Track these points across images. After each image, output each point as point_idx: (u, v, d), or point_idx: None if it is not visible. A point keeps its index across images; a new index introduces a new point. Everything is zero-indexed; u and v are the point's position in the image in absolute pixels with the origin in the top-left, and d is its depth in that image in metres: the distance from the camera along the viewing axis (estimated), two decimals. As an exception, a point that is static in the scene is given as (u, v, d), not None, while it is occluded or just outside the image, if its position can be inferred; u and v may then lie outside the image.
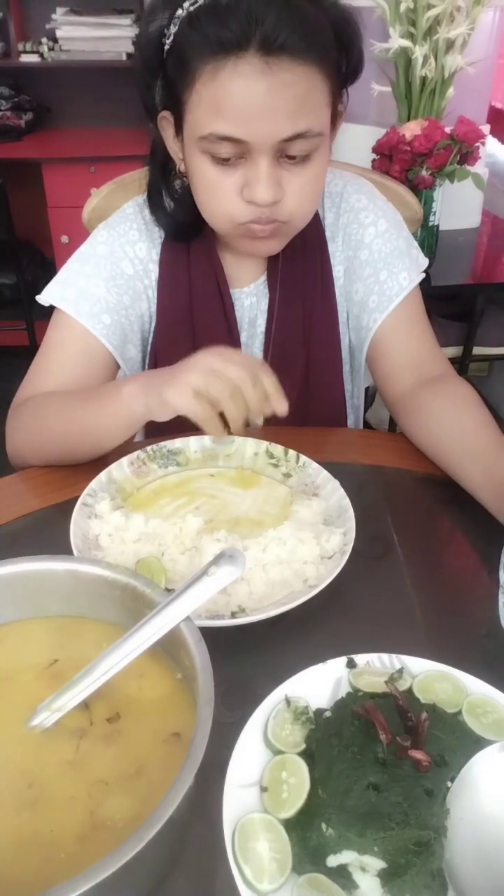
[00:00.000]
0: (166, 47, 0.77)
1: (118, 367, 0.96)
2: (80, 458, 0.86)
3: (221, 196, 0.81)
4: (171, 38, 0.76)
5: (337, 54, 0.77)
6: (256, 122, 0.73)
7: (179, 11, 0.74)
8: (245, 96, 0.72)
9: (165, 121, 0.83)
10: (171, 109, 0.81)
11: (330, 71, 0.76)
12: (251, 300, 0.99)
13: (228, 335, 0.98)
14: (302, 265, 0.97)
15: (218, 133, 0.75)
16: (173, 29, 0.75)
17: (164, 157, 0.89)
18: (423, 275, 0.99)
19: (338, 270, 1.00)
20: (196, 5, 0.73)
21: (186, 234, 0.92)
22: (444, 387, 0.92)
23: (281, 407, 0.73)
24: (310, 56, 0.72)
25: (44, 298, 0.94)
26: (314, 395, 1.03)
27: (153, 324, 0.99)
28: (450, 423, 0.86)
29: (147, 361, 1.01)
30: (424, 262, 1.00)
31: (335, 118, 0.82)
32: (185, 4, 0.74)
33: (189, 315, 0.97)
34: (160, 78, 0.80)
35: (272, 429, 0.94)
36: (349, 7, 0.78)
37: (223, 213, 0.83)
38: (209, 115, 0.75)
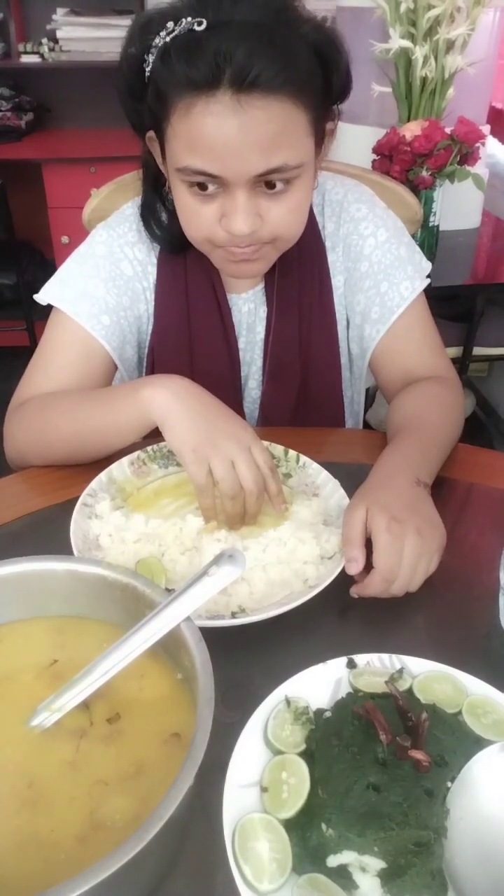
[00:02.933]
0: (147, 73, 0.76)
1: (116, 368, 0.96)
2: (87, 458, 0.86)
3: (201, 223, 0.81)
4: (150, 65, 0.75)
5: (321, 79, 0.75)
6: (229, 160, 0.73)
7: (157, 40, 0.73)
8: (217, 135, 0.71)
9: (153, 141, 0.83)
10: (155, 130, 0.81)
11: (309, 99, 0.74)
12: (249, 306, 0.99)
13: (225, 340, 0.98)
14: (298, 274, 0.97)
15: (192, 167, 0.75)
16: (151, 58, 0.74)
17: (155, 173, 0.89)
18: (427, 280, 0.99)
19: (337, 280, 1.00)
20: (172, 35, 0.71)
21: (182, 246, 0.92)
22: (422, 382, 0.95)
23: (280, 509, 0.77)
24: (285, 89, 0.70)
25: (42, 297, 0.94)
26: (312, 403, 1.03)
27: (151, 325, 0.99)
28: (401, 405, 0.91)
29: (145, 363, 1.01)
30: (428, 266, 1.00)
31: (323, 138, 0.81)
32: (162, 33, 0.72)
33: (186, 318, 0.97)
34: (145, 100, 0.79)
35: (272, 429, 0.94)
36: (331, 28, 0.76)
37: (204, 240, 0.83)
38: (184, 150, 0.74)
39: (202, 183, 0.76)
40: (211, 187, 0.76)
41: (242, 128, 0.70)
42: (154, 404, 0.77)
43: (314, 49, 0.74)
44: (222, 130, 0.71)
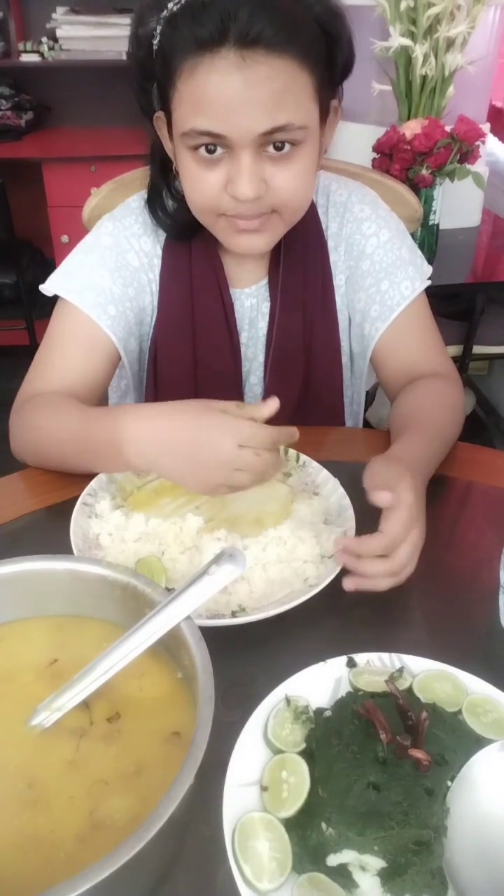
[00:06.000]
0: (154, 48, 0.77)
1: (119, 358, 0.96)
2: (76, 473, 0.84)
3: (207, 191, 0.81)
4: (158, 38, 0.76)
5: (324, 49, 0.77)
6: (234, 117, 0.74)
7: (164, 13, 0.75)
8: (222, 91, 0.72)
9: (160, 121, 0.84)
10: (163, 109, 0.82)
11: (313, 65, 0.75)
12: (252, 301, 0.99)
13: (228, 334, 0.98)
14: (302, 272, 0.97)
15: (197, 128, 0.75)
16: (159, 29, 0.76)
17: (162, 157, 0.89)
18: (428, 282, 0.99)
19: (339, 279, 1.00)
20: (178, 5, 0.73)
21: (187, 232, 0.92)
22: (425, 379, 0.95)
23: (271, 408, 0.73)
24: (288, 49, 0.72)
25: (47, 288, 0.93)
26: (313, 401, 1.03)
27: (154, 317, 0.99)
28: (406, 402, 0.91)
29: (147, 356, 1.01)
30: (428, 270, 1.01)
31: (326, 114, 0.82)
32: (170, 5, 0.74)
33: (190, 311, 0.97)
34: (153, 79, 0.80)
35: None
36: (335, 3, 0.77)
37: (209, 209, 0.83)
38: (189, 111, 0.75)
39: (208, 147, 0.77)
40: (216, 152, 0.77)
41: (247, 84, 0.72)
42: (141, 462, 0.74)
43: (317, 20, 0.75)
44: (227, 87, 0.72)
